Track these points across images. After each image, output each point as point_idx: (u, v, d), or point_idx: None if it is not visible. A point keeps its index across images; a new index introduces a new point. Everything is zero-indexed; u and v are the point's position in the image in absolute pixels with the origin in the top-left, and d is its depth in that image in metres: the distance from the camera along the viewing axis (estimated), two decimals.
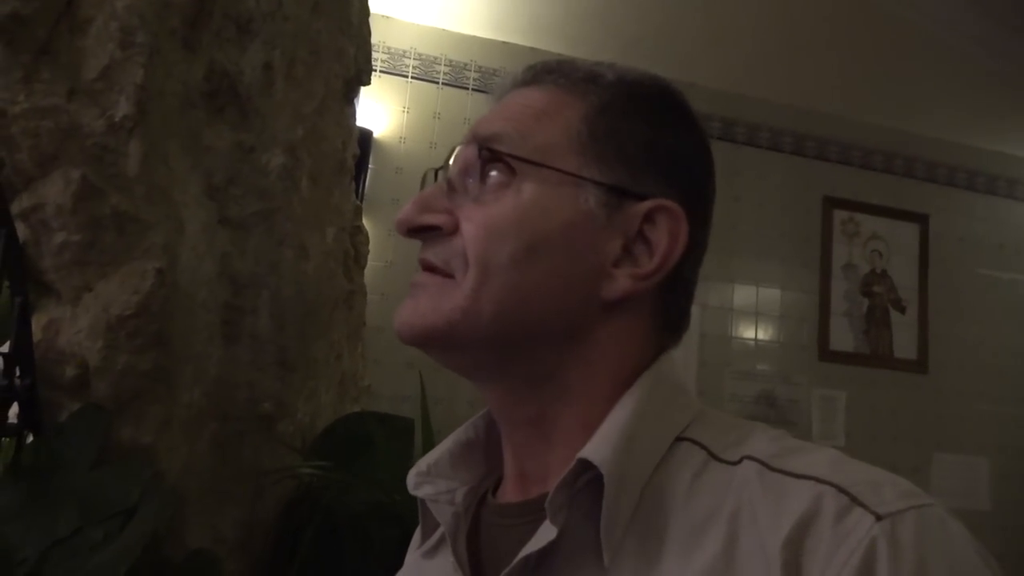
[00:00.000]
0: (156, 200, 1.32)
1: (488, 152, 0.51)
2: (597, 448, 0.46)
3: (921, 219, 3.99)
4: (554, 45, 3.19)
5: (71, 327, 1.37)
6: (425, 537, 0.60)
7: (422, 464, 0.58)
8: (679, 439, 0.50)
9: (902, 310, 3.93)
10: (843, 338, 3.82)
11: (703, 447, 0.49)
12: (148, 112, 1.26)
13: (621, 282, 0.52)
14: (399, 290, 2.95)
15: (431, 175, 0.57)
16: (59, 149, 1.20)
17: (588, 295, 0.51)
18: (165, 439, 1.44)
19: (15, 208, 1.24)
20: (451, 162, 0.55)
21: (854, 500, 0.41)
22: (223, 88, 1.48)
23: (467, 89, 3.25)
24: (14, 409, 1.55)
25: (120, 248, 1.31)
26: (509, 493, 0.55)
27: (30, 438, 1.41)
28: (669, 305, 0.55)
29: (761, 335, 3.69)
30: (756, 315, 3.68)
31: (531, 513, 0.50)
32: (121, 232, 1.29)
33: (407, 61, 3.19)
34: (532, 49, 3.26)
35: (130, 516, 1.35)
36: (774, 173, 3.75)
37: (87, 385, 1.40)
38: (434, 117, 3.20)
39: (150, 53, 1.22)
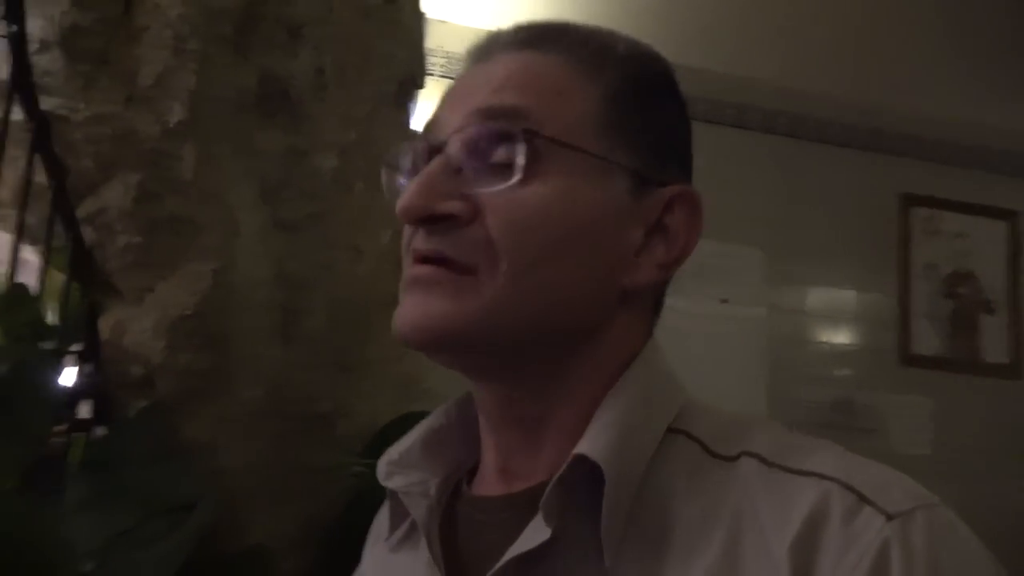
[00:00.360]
0: (211, 203, 1.36)
1: (510, 125, 0.46)
2: (595, 444, 0.44)
3: (1009, 216, 3.76)
4: None
5: (135, 327, 1.42)
6: (393, 528, 0.58)
7: (392, 453, 0.56)
8: (670, 430, 0.48)
9: (991, 312, 3.70)
10: (926, 342, 3.62)
11: (696, 440, 0.47)
12: (201, 117, 1.30)
13: (645, 272, 0.50)
14: None
15: (419, 148, 0.50)
16: (118, 155, 1.25)
17: (611, 287, 0.50)
18: (224, 436, 1.48)
19: (81, 212, 1.30)
20: (451, 137, 0.48)
21: (862, 499, 0.40)
22: (274, 93, 1.52)
23: None
24: (85, 406, 1.63)
25: (178, 250, 1.36)
26: (488, 486, 0.53)
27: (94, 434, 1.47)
28: (661, 293, 0.54)
29: (837, 339, 3.53)
30: (831, 318, 3.54)
31: (514, 508, 0.48)
32: (178, 234, 1.34)
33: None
34: None
35: (189, 510, 1.39)
36: (846, 170, 3.60)
37: (151, 383, 1.46)
38: None
39: (202, 59, 1.26)
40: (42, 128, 1.18)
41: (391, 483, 0.54)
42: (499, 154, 0.46)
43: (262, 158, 1.53)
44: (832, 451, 0.45)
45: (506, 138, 0.46)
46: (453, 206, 0.46)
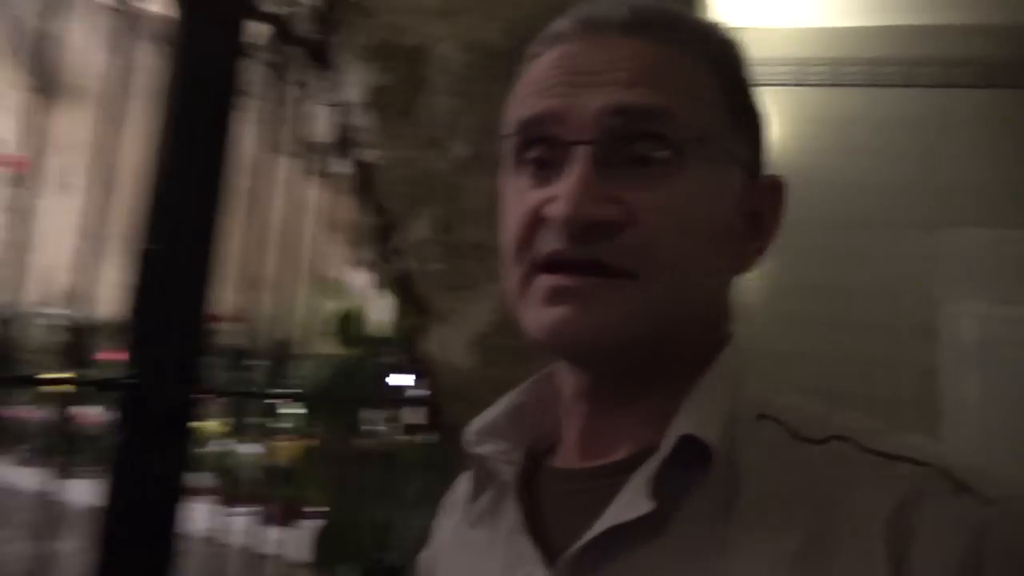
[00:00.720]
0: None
1: (656, 126, 0.46)
2: (701, 423, 0.44)
3: None
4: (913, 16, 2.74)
5: (447, 342, 1.61)
6: (475, 498, 0.58)
7: (479, 423, 0.56)
8: (758, 416, 0.47)
9: None
10: None
11: (784, 425, 0.46)
12: (489, 151, 1.43)
13: (748, 260, 0.51)
14: None
15: (582, 152, 0.46)
16: (420, 192, 1.43)
17: (733, 275, 0.51)
18: None
19: (398, 243, 1.52)
20: (594, 135, 0.46)
21: (960, 484, 0.40)
22: None
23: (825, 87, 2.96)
24: (414, 413, 1.88)
25: (479, 273, 1.51)
26: (568, 461, 0.53)
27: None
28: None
29: None
30: None
31: (598, 479, 0.48)
32: (479, 259, 1.49)
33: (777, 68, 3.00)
34: (885, 28, 2.84)
35: None
36: None
37: (463, 394, 1.64)
38: (810, 122, 2.95)
39: (485, 99, 1.39)
40: (365, 176, 1.40)
41: (480, 449, 0.54)
42: (648, 152, 0.46)
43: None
44: (923, 440, 0.44)
45: (653, 137, 0.46)
46: (611, 210, 0.45)
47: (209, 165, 1.09)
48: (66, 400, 1.31)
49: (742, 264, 0.51)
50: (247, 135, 1.21)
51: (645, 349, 0.47)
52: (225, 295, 1.19)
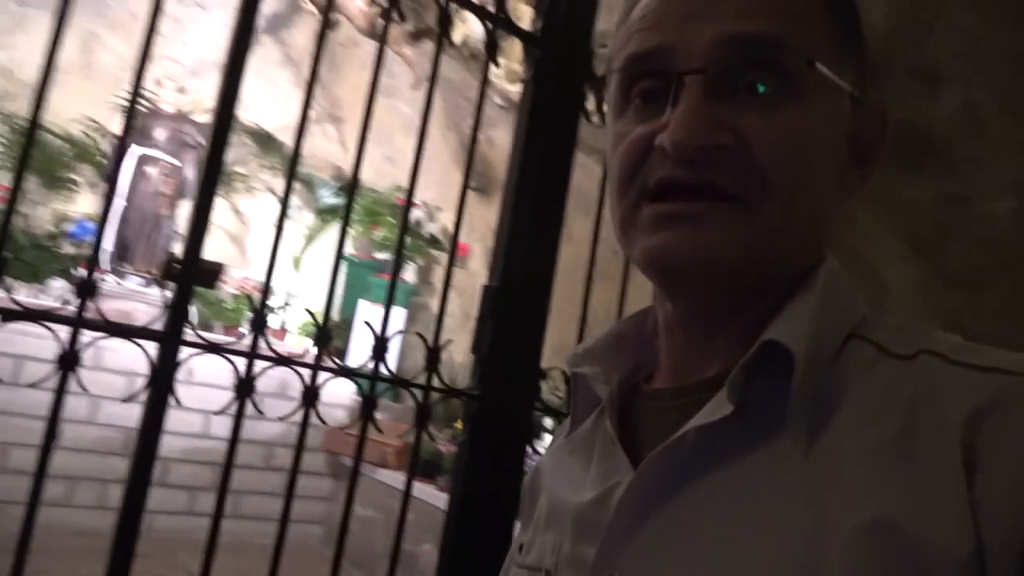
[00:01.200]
0: (847, 263, 1.40)
1: (769, 53, 0.46)
2: (785, 331, 0.46)
3: None
4: None
5: None
6: (575, 423, 0.61)
7: (579, 348, 0.59)
8: (850, 336, 0.48)
9: None
10: None
11: (874, 343, 0.47)
12: None
13: (852, 187, 0.52)
14: None
15: (694, 82, 0.46)
16: None
17: (837, 202, 0.52)
18: None
19: None
20: (708, 63, 0.47)
21: None
22: (913, 143, 1.47)
23: None
24: None
25: None
26: (665, 381, 0.55)
27: None
28: None
29: None
30: None
31: (689, 394, 0.50)
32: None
33: None
34: None
35: None
36: None
37: None
38: None
39: None
40: None
41: (579, 369, 0.58)
42: (759, 80, 0.47)
43: (908, 211, 1.48)
44: (1018, 354, 0.43)
45: (764, 65, 0.47)
46: (723, 136, 0.46)
47: (549, 214, 1.26)
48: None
49: (846, 191, 0.52)
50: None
51: (749, 272, 0.48)
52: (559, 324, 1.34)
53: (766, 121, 0.46)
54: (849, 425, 0.43)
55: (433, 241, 5.74)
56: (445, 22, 1.42)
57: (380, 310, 1.48)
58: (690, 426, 0.46)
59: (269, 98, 6.84)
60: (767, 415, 0.45)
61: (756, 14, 0.47)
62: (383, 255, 5.87)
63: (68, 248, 5.51)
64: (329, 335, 1.38)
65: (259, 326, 1.23)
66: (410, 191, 1.52)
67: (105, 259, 5.30)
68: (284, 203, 1.39)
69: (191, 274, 1.15)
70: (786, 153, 0.46)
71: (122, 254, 5.40)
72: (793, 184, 0.47)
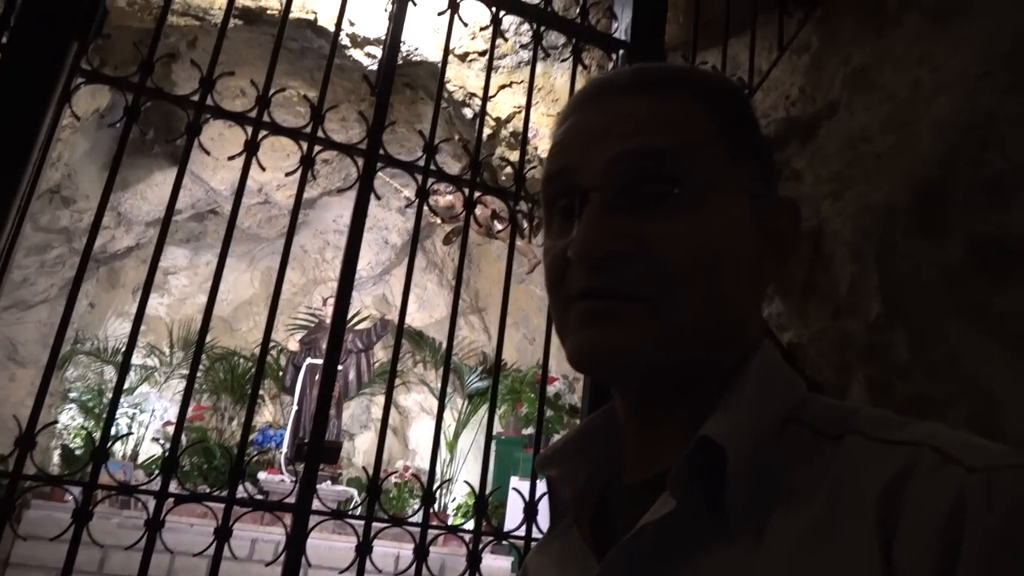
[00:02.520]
0: (941, 378, 1.40)
1: (659, 164, 0.51)
2: (718, 428, 0.48)
3: None
4: None
5: None
6: (553, 525, 0.63)
7: (547, 450, 0.61)
8: (787, 420, 0.51)
9: None
10: None
11: (808, 424, 0.50)
12: (899, 304, 1.42)
13: (769, 275, 0.56)
14: None
15: (595, 197, 0.52)
16: (842, 358, 1.48)
17: (753, 293, 0.55)
18: None
19: None
20: (605, 179, 0.52)
21: (948, 457, 0.41)
22: (993, 253, 1.49)
23: None
24: None
25: None
26: (630, 474, 0.57)
27: None
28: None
29: None
30: None
31: (649, 490, 0.50)
32: (922, 415, 1.41)
33: None
34: None
35: None
36: None
37: None
38: None
39: (878, 256, 1.43)
40: (786, 358, 1.53)
41: (545, 472, 0.60)
42: (652, 190, 0.51)
43: (1004, 321, 1.47)
44: (932, 425, 0.45)
45: (658, 176, 0.51)
46: (624, 243, 0.50)
47: None
48: None
49: (762, 279, 0.55)
50: None
51: (670, 362, 0.51)
52: None
53: (665, 226, 0.50)
54: (787, 511, 0.45)
55: (573, 411, 5.85)
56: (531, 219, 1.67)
57: (540, 483, 1.66)
58: (640, 524, 0.48)
59: (417, 299, 7.53)
60: (711, 507, 0.47)
61: (647, 133, 0.52)
62: (529, 430, 6.02)
63: (254, 454, 6.08)
64: (486, 502, 1.57)
65: (428, 500, 1.47)
66: (544, 366, 1.72)
67: (281, 461, 5.81)
68: (442, 393, 1.64)
69: (316, 452, 1.39)
70: (685, 252, 0.50)
71: (297, 454, 5.89)
72: (695, 280, 0.50)
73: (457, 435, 6.75)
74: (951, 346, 1.44)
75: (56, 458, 6.31)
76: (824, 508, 0.44)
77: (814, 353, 1.52)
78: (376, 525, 1.48)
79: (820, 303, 1.51)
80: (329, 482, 5.87)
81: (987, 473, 0.40)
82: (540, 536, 1.54)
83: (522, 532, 1.58)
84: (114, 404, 1.44)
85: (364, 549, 1.41)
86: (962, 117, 1.59)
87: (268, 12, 4.10)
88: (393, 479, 5.95)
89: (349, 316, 7.21)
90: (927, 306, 1.45)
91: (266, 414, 7.12)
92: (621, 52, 1.80)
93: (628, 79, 0.56)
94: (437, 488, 5.92)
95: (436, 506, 6.05)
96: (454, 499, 6.27)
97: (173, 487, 1.35)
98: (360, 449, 7.50)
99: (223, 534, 1.35)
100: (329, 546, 4.22)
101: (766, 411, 0.50)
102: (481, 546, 1.55)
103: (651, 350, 0.50)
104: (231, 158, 1.61)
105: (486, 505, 1.56)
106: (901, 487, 0.42)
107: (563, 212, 0.54)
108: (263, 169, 1.52)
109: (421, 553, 1.47)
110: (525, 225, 1.75)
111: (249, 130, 1.52)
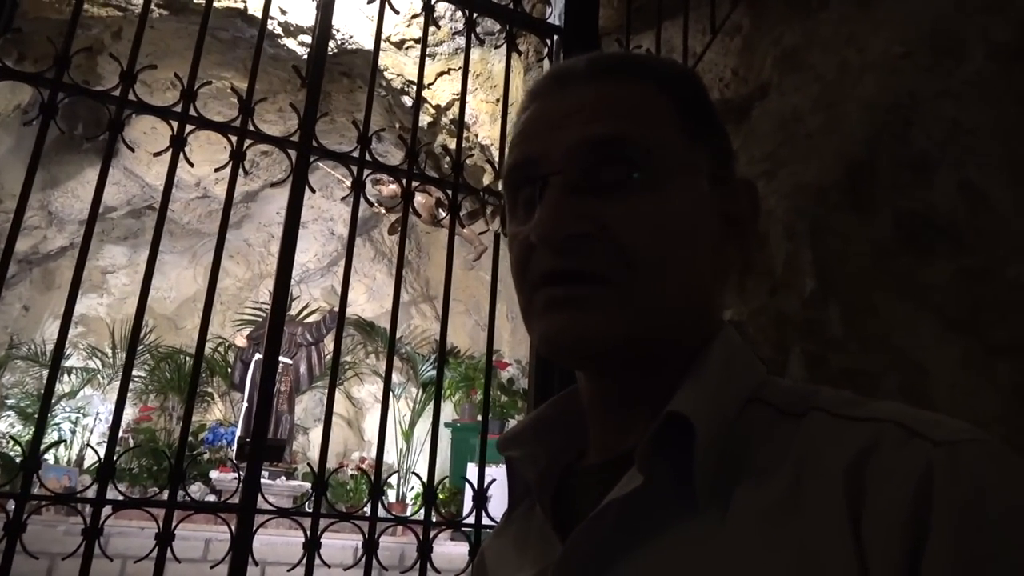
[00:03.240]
0: (873, 350, 1.45)
1: (618, 150, 0.52)
2: (686, 403, 0.48)
3: None
4: None
5: None
6: (512, 507, 0.63)
7: (508, 433, 0.62)
8: (749, 400, 0.51)
9: None
10: None
11: (771, 404, 0.50)
12: (832, 280, 1.46)
13: (730, 256, 0.55)
14: None
15: (555, 181, 0.52)
16: (779, 334, 1.51)
17: (713, 272, 0.55)
18: None
19: None
20: (565, 165, 0.52)
21: (913, 432, 0.42)
22: (918, 228, 1.54)
23: None
24: None
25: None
26: (593, 457, 0.58)
27: None
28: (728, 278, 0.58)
29: None
30: None
31: (612, 468, 0.51)
32: (855, 386, 1.46)
33: None
34: None
35: None
36: None
37: None
38: None
39: (811, 233, 1.47)
40: None
41: (507, 452, 0.61)
42: (611, 174, 0.52)
43: (930, 292, 1.52)
44: (895, 404, 0.46)
45: (617, 160, 0.52)
46: (585, 225, 0.50)
47: None
48: None
49: (725, 262, 0.55)
50: None
51: (636, 345, 0.51)
52: None
53: (625, 208, 0.51)
54: (750, 487, 0.46)
55: (527, 396, 5.90)
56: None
57: (489, 470, 1.66)
58: (606, 500, 0.48)
59: (367, 290, 7.45)
60: (677, 482, 0.47)
61: (605, 118, 0.53)
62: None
63: (204, 453, 5.96)
64: (435, 492, 1.57)
65: (376, 493, 1.46)
66: (489, 352, 1.71)
67: (233, 459, 5.71)
68: (387, 382, 1.63)
69: (260, 450, 1.36)
70: (646, 235, 0.50)
71: (238, 453, 5.80)
72: (657, 263, 0.50)
73: (413, 424, 6.73)
74: (882, 319, 1.49)
75: None
76: (790, 482, 0.44)
77: (753, 330, 1.55)
78: (332, 519, 1.47)
79: (757, 281, 1.54)
80: (283, 478, 5.80)
81: (952, 446, 0.41)
82: (491, 523, 1.56)
83: (472, 520, 1.58)
84: (44, 410, 1.39)
85: (312, 545, 1.40)
86: (887, 97, 1.63)
87: (194, 1, 3.96)
88: (349, 471, 5.91)
89: (298, 309, 7.10)
90: (858, 281, 1.49)
91: (216, 412, 6.98)
92: (556, 38, 1.80)
93: (585, 66, 0.56)
94: (388, 478, 5.93)
95: (395, 496, 6.04)
96: (412, 488, 6.26)
97: (117, 492, 1.31)
98: (315, 443, 7.40)
99: (165, 539, 1.31)
100: (285, 542, 4.17)
101: (729, 390, 0.51)
102: (434, 534, 1.55)
103: (617, 335, 0.50)
104: (156, 154, 1.56)
105: (434, 495, 1.56)
106: (868, 461, 0.42)
107: (526, 200, 0.55)
108: (191, 165, 1.48)
109: (371, 546, 1.47)
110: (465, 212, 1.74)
111: (175, 125, 1.47)
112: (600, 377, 0.56)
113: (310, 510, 1.45)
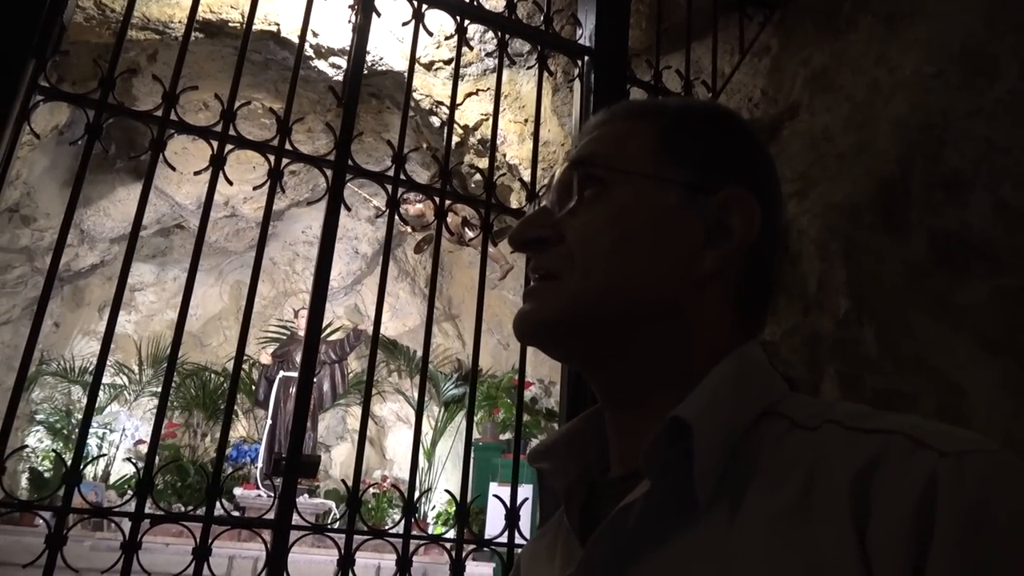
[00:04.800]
0: (909, 371, 1.43)
1: (582, 168, 0.59)
2: (686, 407, 0.51)
3: None
4: None
5: None
6: (544, 519, 0.67)
7: (539, 445, 0.65)
8: (766, 413, 0.53)
9: None
10: None
11: (786, 417, 0.51)
12: (866, 300, 1.45)
13: (708, 262, 0.57)
14: None
15: (539, 199, 0.63)
16: (813, 354, 1.50)
17: (682, 276, 0.57)
18: None
19: None
20: (550, 188, 0.62)
21: (920, 443, 0.43)
22: (953, 248, 1.53)
23: None
24: None
25: None
26: (615, 469, 0.60)
27: None
28: (750, 291, 0.59)
29: None
30: None
31: (630, 481, 0.53)
32: (892, 408, 1.44)
33: None
34: None
35: None
36: None
37: None
38: None
39: (844, 252, 1.46)
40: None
41: (537, 464, 0.64)
42: (575, 191, 0.60)
43: (967, 314, 1.51)
44: (907, 416, 0.47)
45: (584, 177, 0.60)
46: (540, 231, 0.60)
47: None
48: None
49: (700, 266, 0.57)
50: None
51: (571, 323, 0.57)
52: None
53: (579, 216, 0.59)
54: (761, 493, 0.47)
55: (550, 415, 5.87)
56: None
57: (506, 489, 1.66)
58: (618, 507, 0.50)
59: (390, 308, 7.48)
60: (685, 488, 0.49)
61: (588, 144, 0.62)
62: (507, 435, 6.02)
63: (227, 470, 5.99)
64: (468, 511, 1.57)
65: (410, 511, 1.47)
66: (521, 372, 1.72)
67: (257, 476, 5.73)
68: (420, 402, 1.64)
69: (295, 467, 1.37)
70: (588, 237, 0.58)
71: (275, 469, 5.83)
72: (594, 259, 0.57)
73: (435, 443, 6.72)
74: (917, 340, 1.48)
75: (24, 482, 6.16)
76: (799, 492, 0.46)
77: (786, 350, 1.54)
78: (358, 537, 1.47)
79: (790, 301, 1.54)
80: (306, 495, 5.81)
81: (958, 456, 0.41)
82: (522, 542, 1.56)
83: (504, 539, 1.58)
84: (85, 425, 1.41)
85: (346, 562, 1.40)
86: (919, 116, 1.63)
87: (230, 25, 4.05)
88: (383, 488, 5.91)
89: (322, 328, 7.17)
90: (893, 301, 1.48)
91: (239, 429, 7.03)
92: (586, 58, 1.81)
93: (603, 114, 0.65)
94: (418, 498, 5.96)
95: (417, 515, 6.05)
96: (433, 507, 6.25)
97: (156, 506, 1.32)
98: (337, 461, 7.43)
99: (202, 553, 1.33)
100: (309, 560, 4.17)
101: (740, 402, 0.53)
102: (466, 553, 1.55)
103: (557, 314, 0.58)
104: (197, 173, 1.59)
105: (468, 513, 1.56)
106: (874, 472, 0.43)
107: None
108: (230, 184, 1.51)
109: (404, 564, 1.47)
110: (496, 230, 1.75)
111: (215, 144, 1.50)
112: (600, 383, 0.60)
113: (341, 527, 1.46)
